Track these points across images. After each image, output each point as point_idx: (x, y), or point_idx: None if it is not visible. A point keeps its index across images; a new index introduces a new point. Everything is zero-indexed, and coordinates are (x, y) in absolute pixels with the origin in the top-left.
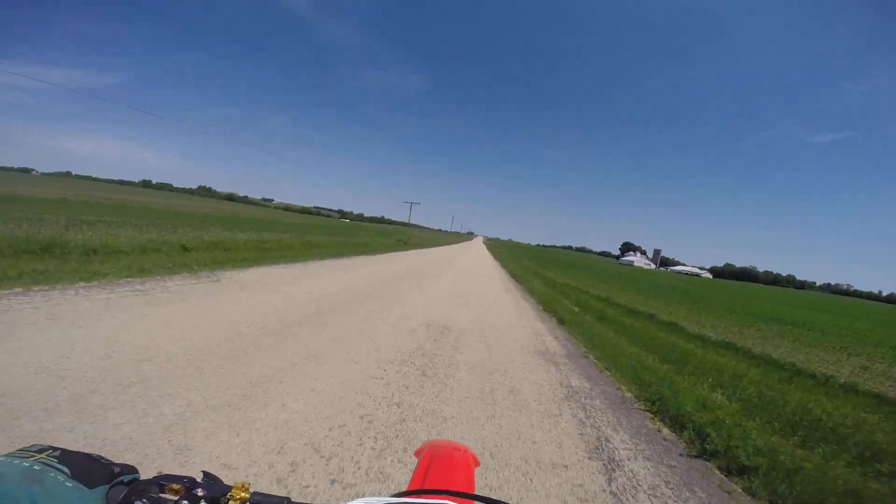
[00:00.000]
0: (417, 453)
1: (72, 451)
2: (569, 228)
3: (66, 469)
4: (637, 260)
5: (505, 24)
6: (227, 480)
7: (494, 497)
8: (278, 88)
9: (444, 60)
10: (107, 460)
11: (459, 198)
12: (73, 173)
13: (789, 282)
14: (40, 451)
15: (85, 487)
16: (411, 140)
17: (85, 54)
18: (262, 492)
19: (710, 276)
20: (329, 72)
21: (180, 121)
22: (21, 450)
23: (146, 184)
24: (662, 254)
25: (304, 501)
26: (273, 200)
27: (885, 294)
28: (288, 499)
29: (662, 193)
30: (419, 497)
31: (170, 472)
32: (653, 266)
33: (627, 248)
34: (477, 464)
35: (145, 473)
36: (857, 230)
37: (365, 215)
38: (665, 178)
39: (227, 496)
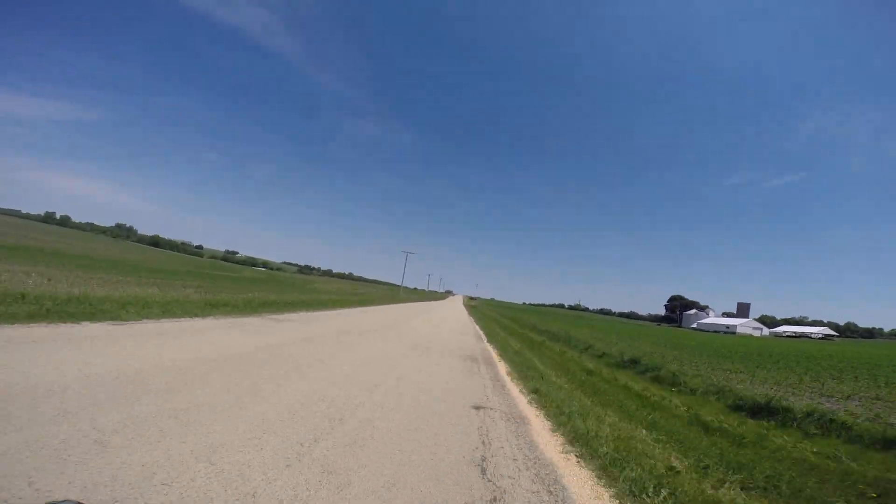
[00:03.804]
0: None
1: None
2: (562, 286)
3: None
4: (741, 325)
5: (499, 79)
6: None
7: None
8: (261, 138)
9: (433, 116)
10: None
11: (441, 257)
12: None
13: (853, 331)
14: None
15: None
16: (390, 195)
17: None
18: None
19: (837, 336)
20: (314, 123)
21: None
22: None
23: (48, 218)
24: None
25: None
26: (237, 253)
27: None
28: None
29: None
30: None
31: None
32: (764, 331)
33: (682, 304)
34: None
35: None
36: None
37: (333, 271)
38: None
39: None
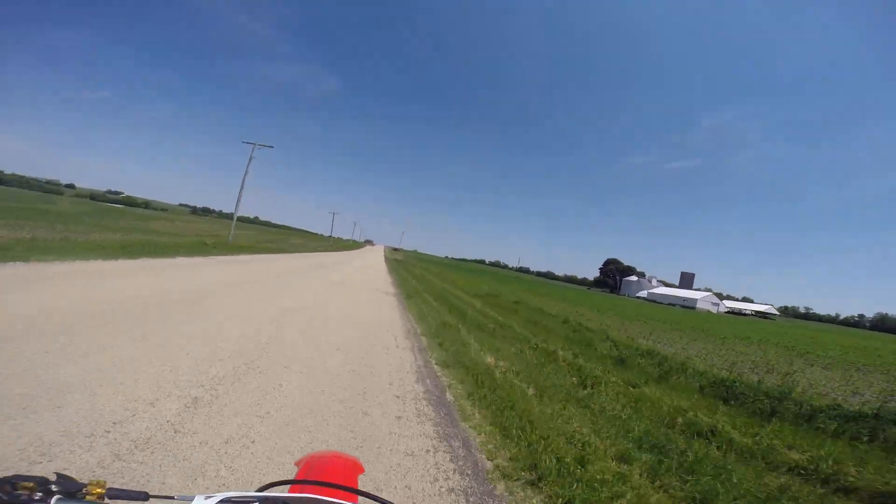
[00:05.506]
0: (297, 463)
1: None
2: (480, 243)
3: None
4: (701, 298)
5: (430, 30)
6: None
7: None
8: (160, 74)
9: (361, 64)
10: None
11: (367, 208)
12: None
13: (805, 316)
14: None
15: None
16: (314, 142)
17: None
18: (119, 487)
19: (778, 316)
20: (228, 65)
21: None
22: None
23: None
24: (655, 278)
25: (162, 495)
26: (122, 193)
27: (842, 317)
28: (146, 493)
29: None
30: (283, 489)
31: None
32: (721, 306)
33: (619, 269)
34: (361, 471)
35: None
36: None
37: (225, 211)
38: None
39: (83, 491)
